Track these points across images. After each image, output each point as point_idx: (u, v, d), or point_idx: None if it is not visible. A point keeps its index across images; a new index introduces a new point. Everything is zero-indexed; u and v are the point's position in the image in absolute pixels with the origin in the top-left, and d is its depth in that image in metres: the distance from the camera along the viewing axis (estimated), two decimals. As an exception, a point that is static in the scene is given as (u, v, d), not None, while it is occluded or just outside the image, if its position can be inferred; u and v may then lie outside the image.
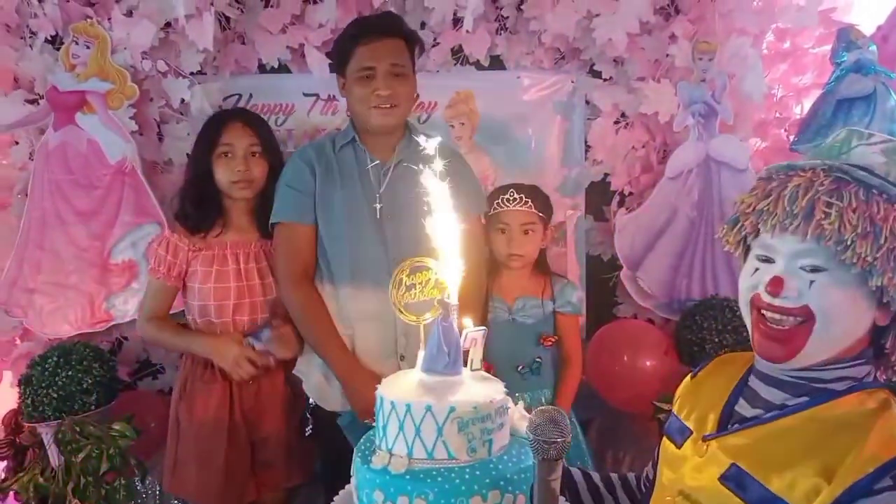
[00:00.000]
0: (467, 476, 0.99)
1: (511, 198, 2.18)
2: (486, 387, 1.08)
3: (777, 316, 1.01)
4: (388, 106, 1.92)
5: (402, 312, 1.19)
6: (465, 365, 1.12)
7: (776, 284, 1.01)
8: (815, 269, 0.98)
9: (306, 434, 2.10)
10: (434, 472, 0.99)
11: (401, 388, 1.07)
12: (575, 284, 2.38)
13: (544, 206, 2.24)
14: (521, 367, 2.19)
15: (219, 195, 2.15)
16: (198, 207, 2.13)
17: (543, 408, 0.96)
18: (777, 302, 1.01)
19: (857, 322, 1.00)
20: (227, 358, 2.03)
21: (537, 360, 2.21)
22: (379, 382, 1.88)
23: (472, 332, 1.11)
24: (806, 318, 0.99)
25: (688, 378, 1.27)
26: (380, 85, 1.90)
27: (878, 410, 0.96)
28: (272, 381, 2.14)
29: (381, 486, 1.00)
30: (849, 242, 0.94)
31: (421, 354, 1.11)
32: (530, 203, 2.19)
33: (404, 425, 1.01)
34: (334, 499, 1.16)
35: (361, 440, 1.13)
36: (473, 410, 1.00)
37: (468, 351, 1.12)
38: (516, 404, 1.16)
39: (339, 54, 1.98)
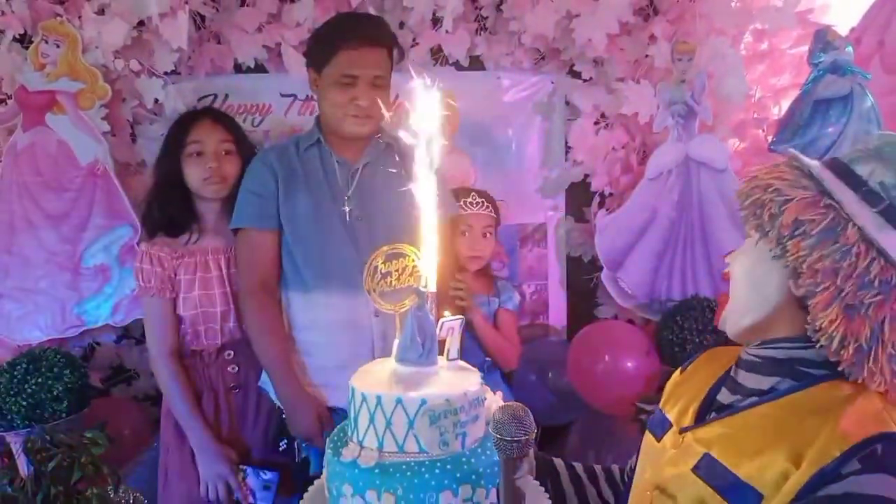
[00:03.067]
0: (437, 470, 0.97)
1: (474, 201, 2.29)
2: (461, 378, 1.05)
3: None
4: (366, 115, 1.89)
5: (376, 301, 1.15)
6: (441, 354, 1.09)
7: (728, 253, 1.11)
8: (749, 239, 1.05)
9: (280, 450, 2.05)
10: (404, 466, 0.97)
11: (372, 380, 1.04)
12: (512, 286, 2.50)
13: (497, 210, 2.37)
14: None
15: (191, 199, 2.10)
16: (170, 213, 2.07)
17: (506, 405, 0.94)
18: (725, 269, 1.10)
19: (760, 285, 1.02)
20: (209, 471, 1.98)
21: (487, 358, 2.28)
22: (319, 410, 1.89)
23: (448, 322, 1.08)
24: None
25: (677, 372, 1.27)
26: (360, 95, 1.86)
27: (851, 396, 0.95)
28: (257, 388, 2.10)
29: (349, 479, 0.98)
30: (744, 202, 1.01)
31: (396, 344, 1.09)
32: (490, 207, 2.31)
33: (375, 418, 0.98)
34: (308, 489, 1.15)
35: (335, 431, 1.10)
36: (446, 403, 0.97)
37: (445, 340, 1.09)
38: (495, 394, 1.13)
39: (318, 52, 1.92)
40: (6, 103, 2.40)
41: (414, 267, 1.14)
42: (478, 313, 2.23)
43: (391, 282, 1.14)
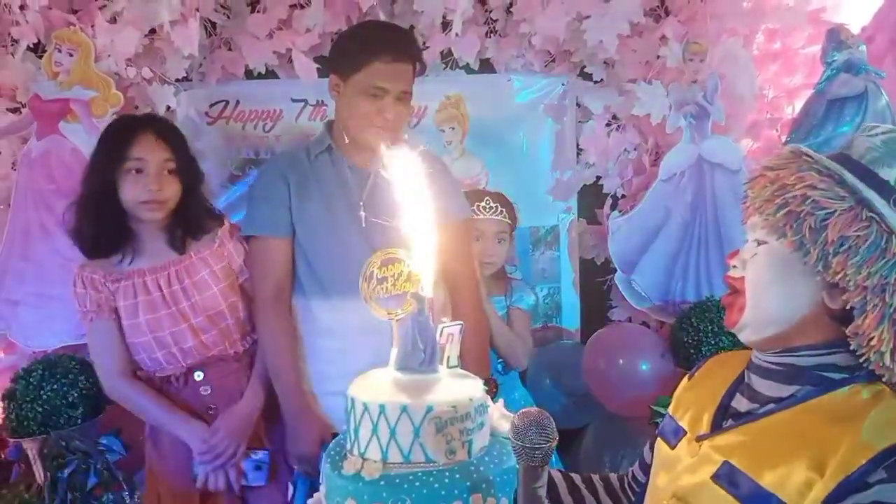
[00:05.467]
0: (446, 480, 0.93)
1: (488, 206, 2.27)
2: (464, 384, 1.02)
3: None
4: (389, 129, 1.89)
5: (373, 308, 1.13)
6: (442, 362, 1.06)
7: (731, 255, 1.07)
8: (760, 243, 1.02)
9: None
10: (411, 477, 0.93)
11: (374, 389, 1.00)
12: (530, 288, 2.47)
13: (512, 215, 2.34)
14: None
15: (124, 216, 1.89)
16: (100, 229, 1.88)
17: (526, 410, 0.91)
18: (729, 272, 1.07)
19: (791, 297, 0.99)
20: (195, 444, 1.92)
21: (498, 360, 2.27)
22: (323, 431, 1.87)
23: (448, 328, 1.05)
24: (742, 291, 1.03)
25: (685, 378, 1.25)
26: (387, 108, 1.85)
27: (872, 401, 0.93)
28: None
29: (353, 493, 0.94)
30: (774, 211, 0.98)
31: (394, 352, 1.06)
32: (504, 212, 2.29)
33: (378, 428, 0.95)
34: None
35: (331, 444, 1.07)
36: (452, 410, 0.94)
37: (444, 347, 1.06)
38: (495, 402, 1.11)
39: (347, 58, 1.89)
40: (20, 112, 2.42)
41: (410, 272, 1.11)
42: (491, 307, 2.22)
43: (388, 287, 1.11)
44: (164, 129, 1.92)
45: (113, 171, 1.85)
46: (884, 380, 0.94)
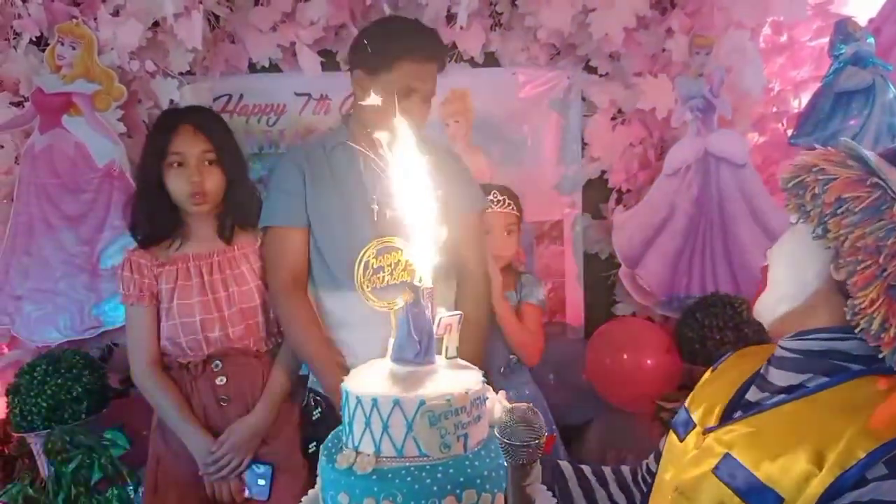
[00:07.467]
0: (439, 475, 0.91)
1: (496, 199, 2.25)
2: (461, 376, 1.00)
3: None
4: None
5: (368, 298, 1.10)
6: (440, 353, 1.05)
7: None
8: (791, 225, 1.04)
9: (314, 418, 2.02)
10: (403, 472, 0.92)
11: (367, 381, 0.99)
12: (540, 280, 2.42)
13: (519, 207, 2.32)
14: (503, 368, 2.22)
15: (174, 205, 1.98)
16: (152, 220, 1.98)
17: (514, 406, 0.89)
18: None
19: (800, 270, 1.00)
20: (200, 457, 1.94)
21: (511, 356, 2.25)
22: None
23: (446, 318, 1.03)
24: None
25: (708, 371, 1.25)
26: (414, 108, 1.85)
27: (885, 392, 0.91)
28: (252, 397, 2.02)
29: (346, 487, 0.93)
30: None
31: (391, 343, 1.04)
32: (512, 205, 2.27)
33: (371, 421, 0.94)
34: (302, 500, 1.08)
35: (329, 437, 1.05)
36: (446, 403, 0.92)
37: (442, 338, 1.04)
38: (497, 393, 1.09)
39: (375, 56, 1.87)
40: (23, 106, 2.42)
41: (407, 262, 1.09)
42: (502, 304, 2.20)
43: (384, 277, 1.09)
44: (205, 121, 1.99)
45: (158, 166, 1.94)
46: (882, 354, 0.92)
